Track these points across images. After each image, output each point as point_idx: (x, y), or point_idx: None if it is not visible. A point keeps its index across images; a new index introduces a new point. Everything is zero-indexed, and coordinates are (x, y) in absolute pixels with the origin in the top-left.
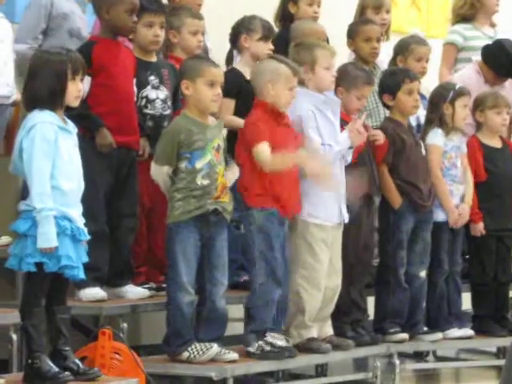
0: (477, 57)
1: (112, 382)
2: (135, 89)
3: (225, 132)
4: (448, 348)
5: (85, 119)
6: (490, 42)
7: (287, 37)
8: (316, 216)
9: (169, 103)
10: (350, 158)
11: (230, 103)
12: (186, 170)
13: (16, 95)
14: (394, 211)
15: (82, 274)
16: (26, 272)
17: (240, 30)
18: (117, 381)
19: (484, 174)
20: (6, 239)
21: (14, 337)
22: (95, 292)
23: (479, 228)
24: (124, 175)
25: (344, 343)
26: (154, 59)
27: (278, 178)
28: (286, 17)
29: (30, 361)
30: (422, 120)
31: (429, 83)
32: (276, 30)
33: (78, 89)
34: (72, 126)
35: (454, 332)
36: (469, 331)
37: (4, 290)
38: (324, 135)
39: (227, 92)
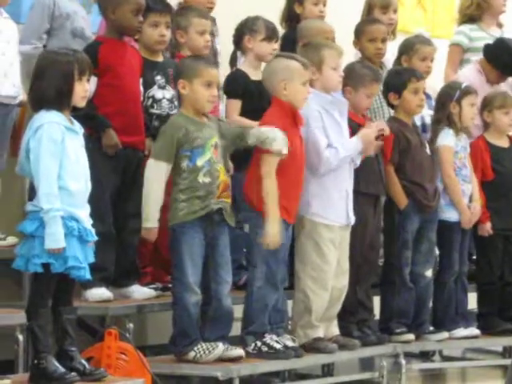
0: (475, 57)
1: (118, 383)
2: (141, 89)
3: None
4: (454, 348)
5: (91, 119)
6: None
7: (294, 37)
8: (324, 216)
9: (175, 103)
10: (359, 162)
11: (237, 104)
12: (187, 169)
13: (22, 96)
14: (399, 211)
15: (88, 275)
16: (32, 273)
17: (243, 31)
18: (123, 381)
19: (491, 174)
20: (12, 240)
21: (20, 337)
22: (101, 292)
23: (487, 228)
24: (130, 176)
25: (350, 343)
26: (160, 59)
27: (286, 190)
28: (291, 17)
29: (36, 361)
30: (427, 119)
31: (434, 83)
32: (282, 30)
33: (84, 89)
34: (78, 127)
35: (460, 332)
36: (475, 331)
37: (10, 291)
38: (330, 136)
39: (233, 93)
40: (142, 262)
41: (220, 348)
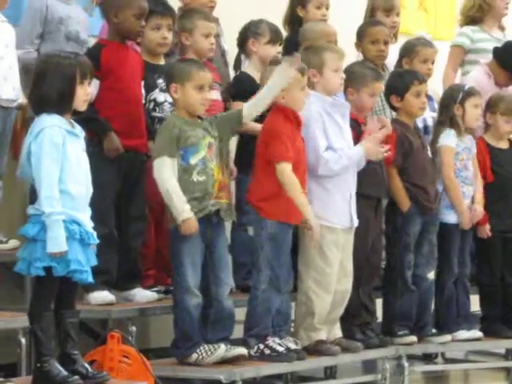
0: (484, 59)
1: None
2: (143, 92)
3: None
4: (457, 350)
5: (93, 123)
6: (498, 44)
7: (296, 40)
8: (326, 219)
9: None
10: (363, 163)
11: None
12: (181, 168)
13: (21, 99)
14: (401, 214)
15: (90, 278)
16: (34, 276)
17: (247, 34)
18: None
19: (491, 176)
20: (14, 243)
21: (23, 340)
22: (104, 295)
23: (485, 230)
24: (133, 178)
25: (353, 345)
26: (161, 62)
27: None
28: (294, 20)
29: (38, 364)
30: (429, 121)
31: (435, 85)
32: (285, 33)
33: (86, 93)
34: (80, 130)
35: (463, 334)
36: (477, 333)
37: (13, 294)
38: (331, 138)
39: (240, 96)
40: (145, 264)
41: (222, 348)
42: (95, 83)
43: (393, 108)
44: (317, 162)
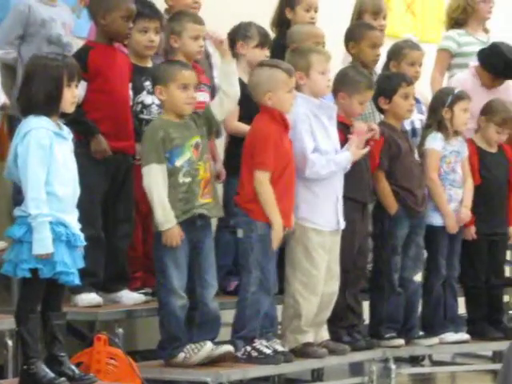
0: (472, 62)
1: None
2: (131, 94)
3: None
4: (444, 352)
5: (80, 125)
6: (484, 47)
7: (284, 42)
8: (313, 221)
9: None
10: (349, 166)
11: (235, 110)
12: (168, 171)
13: (3, 99)
14: (389, 217)
15: (77, 280)
16: (21, 278)
17: (236, 37)
18: None
19: (478, 178)
20: (1, 245)
21: (10, 342)
22: (91, 297)
23: (471, 232)
24: (120, 180)
25: (340, 348)
26: (149, 64)
27: (280, 193)
28: (282, 22)
29: (25, 366)
30: (417, 124)
31: (422, 88)
32: (272, 35)
33: (73, 95)
34: (67, 132)
35: (450, 336)
36: (464, 335)
37: None
38: (318, 140)
39: None
40: (132, 266)
41: (208, 346)
42: (83, 85)
43: (381, 110)
44: (304, 163)
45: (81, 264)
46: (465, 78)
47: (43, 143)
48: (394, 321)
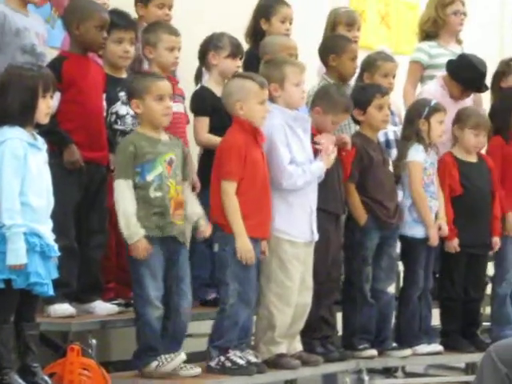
0: (440, 73)
1: None
2: (105, 105)
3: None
4: (417, 364)
5: (53, 135)
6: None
7: (257, 53)
8: (288, 232)
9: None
10: (323, 176)
11: (205, 121)
12: (139, 185)
13: None
14: (359, 228)
15: (51, 291)
16: None
17: (208, 47)
18: None
19: (460, 189)
20: None
21: None
22: (64, 308)
23: (454, 244)
24: (93, 191)
25: (313, 359)
26: (123, 75)
27: (251, 207)
28: (257, 33)
29: None
30: (390, 135)
31: (396, 99)
32: (246, 46)
33: (48, 106)
34: (41, 142)
35: (423, 348)
36: (438, 347)
37: None
38: (294, 152)
39: (201, 110)
40: (106, 277)
41: (182, 356)
42: (56, 95)
43: (356, 122)
44: (281, 174)
45: (55, 274)
46: (434, 89)
47: (17, 154)
48: (367, 332)
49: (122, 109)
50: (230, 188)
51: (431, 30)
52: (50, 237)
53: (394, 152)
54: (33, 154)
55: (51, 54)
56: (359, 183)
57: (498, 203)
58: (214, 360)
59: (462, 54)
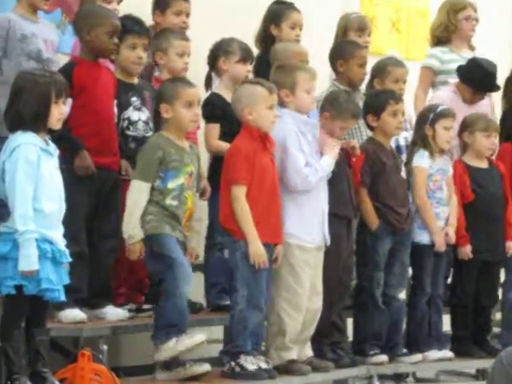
0: (452, 79)
1: None
2: (116, 110)
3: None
4: (428, 370)
5: (65, 141)
6: None
7: (268, 58)
8: (299, 237)
9: (150, 125)
10: (330, 173)
11: (215, 127)
12: (157, 189)
13: None
14: (370, 233)
15: (62, 297)
16: (5, 294)
17: (218, 53)
18: None
19: (471, 195)
20: None
21: None
22: (75, 314)
23: (466, 251)
24: (105, 196)
25: (324, 365)
26: (135, 81)
27: (262, 212)
28: (267, 38)
29: (9, 382)
30: (401, 141)
31: (407, 105)
32: (256, 51)
33: (60, 112)
34: (54, 148)
35: (434, 354)
36: (448, 353)
37: None
38: (307, 155)
39: (211, 117)
40: (116, 282)
41: (201, 336)
42: (68, 101)
43: (370, 127)
44: (298, 178)
45: (66, 280)
46: (445, 96)
47: (31, 159)
48: (378, 338)
49: (133, 114)
50: (240, 193)
51: (443, 36)
52: (61, 243)
53: (404, 158)
54: (45, 160)
55: (61, 60)
56: (371, 189)
57: (511, 209)
58: (226, 365)
59: (472, 57)
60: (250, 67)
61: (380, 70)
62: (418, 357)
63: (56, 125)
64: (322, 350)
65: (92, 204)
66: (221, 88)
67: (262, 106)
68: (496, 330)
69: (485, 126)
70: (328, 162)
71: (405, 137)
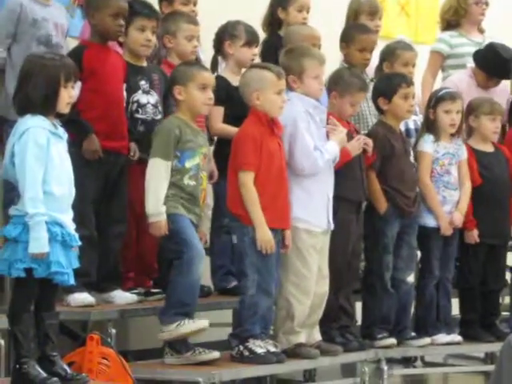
0: (469, 64)
1: None
2: (125, 94)
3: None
4: (436, 353)
5: (74, 124)
6: (477, 48)
7: (275, 42)
8: (306, 221)
9: (159, 108)
10: (338, 158)
11: (219, 110)
12: (175, 169)
13: None
14: (379, 216)
15: (72, 280)
16: (15, 277)
17: (224, 36)
18: None
19: (479, 179)
20: None
21: (2, 342)
22: (84, 297)
23: (473, 235)
24: (113, 180)
25: (332, 349)
26: (144, 64)
27: (269, 196)
28: (274, 22)
29: (17, 366)
30: (411, 124)
31: (416, 88)
32: (263, 35)
33: (69, 95)
34: (63, 132)
35: (442, 338)
36: (457, 337)
37: None
38: (315, 138)
39: (216, 100)
40: (125, 266)
41: (204, 322)
42: (77, 84)
43: (380, 110)
44: (307, 161)
45: (76, 264)
46: (460, 79)
47: (40, 142)
48: (387, 321)
49: (142, 97)
50: (247, 179)
51: (453, 19)
52: (71, 226)
53: (413, 141)
54: (55, 143)
55: (70, 44)
56: (380, 172)
57: None
58: (234, 349)
59: (489, 42)
60: (256, 51)
61: (389, 54)
62: (426, 340)
63: (65, 109)
64: (330, 334)
65: (100, 188)
66: (226, 72)
67: (270, 91)
68: (505, 314)
69: (490, 110)
70: (333, 145)
71: (414, 120)
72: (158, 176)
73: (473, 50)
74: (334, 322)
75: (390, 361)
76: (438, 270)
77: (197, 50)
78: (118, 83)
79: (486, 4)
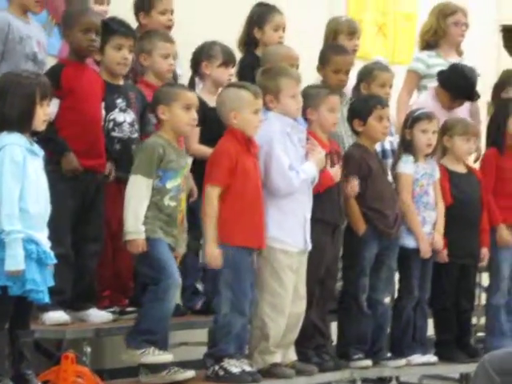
0: (432, 84)
1: None
2: (103, 112)
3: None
4: (411, 374)
5: (51, 143)
6: None
7: (251, 62)
8: (282, 241)
9: (136, 126)
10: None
11: (196, 131)
12: (156, 188)
13: None
14: (357, 238)
15: (47, 298)
16: None
17: (200, 57)
18: None
19: (450, 199)
20: None
21: None
22: (59, 315)
23: (443, 255)
24: (90, 199)
25: (308, 368)
26: (121, 82)
27: (243, 215)
28: (250, 42)
29: None
30: (386, 145)
31: (393, 109)
32: (239, 55)
33: (45, 113)
34: (39, 149)
35: (418, 358)
36: (432, 357)
37: None
38: (292, 158)
39: None
40: (101, 285)
41: (169, 356)
42: (55, 102)
43: (355, 132)
44: (282, 181)
45: (51, 282)
46: (425, 100)
47: (17, 159)
48: (362, 342)
49: (119, 116)
50: (212, 193)
51: (432, 40)
52: (46, 244)
53: (390, 162)
54: (31, 160)
55: (49, 62)
56: (358, 194)
57: (486, 215)
58: (210, 369)
59: (453, 63)
60: (232, 71)
61: (366, 75)
62: (401, 361)
63: (41, 126)
64: (306, 354)
65: (77, 206)
66: (204, 92)
67: (247, 110)
68: (480, 335)
69: (464, 130)
70: (310, 166)
71: (390, 141)
72: (138, 193)
73: None
74: (309, 341)
75: (366, 381)
76: (417, 291)
77: (172, 67)
78: (96, 101)
79: (466, 25)
